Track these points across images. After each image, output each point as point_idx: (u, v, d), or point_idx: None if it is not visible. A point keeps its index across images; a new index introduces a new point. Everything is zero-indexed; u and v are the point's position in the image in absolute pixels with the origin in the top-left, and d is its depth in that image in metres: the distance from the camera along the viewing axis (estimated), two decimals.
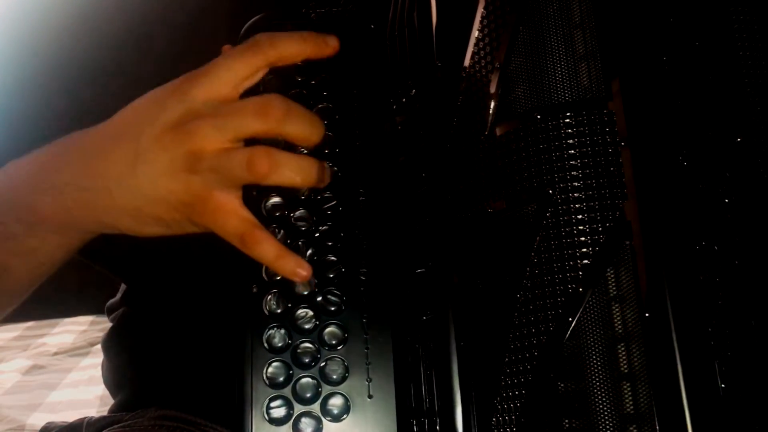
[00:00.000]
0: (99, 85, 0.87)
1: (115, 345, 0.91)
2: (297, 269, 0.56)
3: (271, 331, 0.60)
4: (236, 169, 0.53)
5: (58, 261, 0.64)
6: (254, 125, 0.54)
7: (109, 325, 0.95)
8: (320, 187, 0.56)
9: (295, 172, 0.54)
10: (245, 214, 0.56)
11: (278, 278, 0.61)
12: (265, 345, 0.59)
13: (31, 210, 0.59)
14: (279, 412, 0.58)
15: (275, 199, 0.62)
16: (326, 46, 0.57)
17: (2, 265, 0.63)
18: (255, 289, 0.60)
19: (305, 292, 0.61)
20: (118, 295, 0.95)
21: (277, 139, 0.55)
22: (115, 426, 0.82)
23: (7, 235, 0.61)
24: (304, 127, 0.55)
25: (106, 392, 1.63)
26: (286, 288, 0.60)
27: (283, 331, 0.60)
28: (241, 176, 0.54)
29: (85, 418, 0.89)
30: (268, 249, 0.55)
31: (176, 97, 0.55)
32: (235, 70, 0.55)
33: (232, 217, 0.55)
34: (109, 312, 0.96)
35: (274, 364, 0.59)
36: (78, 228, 0.60)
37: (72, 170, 0.58)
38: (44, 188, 0.59)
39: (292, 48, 0.56)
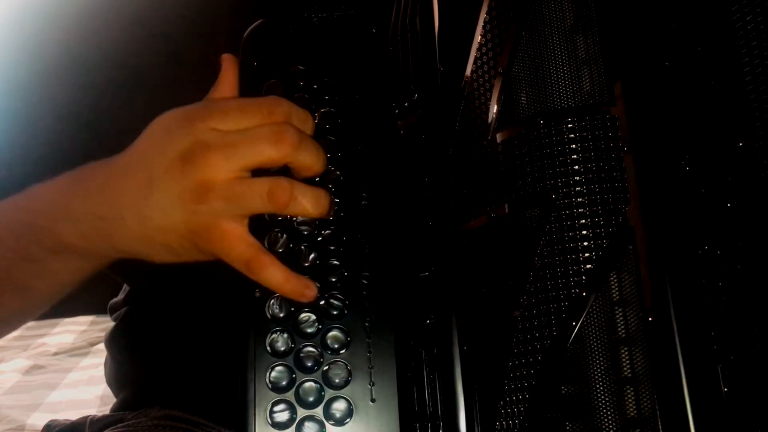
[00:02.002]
0: (100, 85, 0.87)
1: (117, 343, 0.92)
2: (304, 291, 0.57)
3: (273, 335, 0.60)
4: (255, 199, 0.55)
5: (77, 282, 0.66)
6: (269, 152, 0.55)
7: (112, 323, 0.95)
8: (327, 218, 0.60)
9: (312, 203, 0.56)
10: (251, 240, 0.57)
11: None
12: (268, 349, 0.59)
13: (52, 236, 0.61)
14: (282, 416, 0.58)
15: None
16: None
17: (24, 285, 0.65)
18: (258, 294, 0.60)
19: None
20: (121, 295, 0.95)
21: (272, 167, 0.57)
22: (118, 425, 0.82)
23: (30, 258, 0.63)
24: (314, 156, 0.58)
25: (106, 392, 1.64)
26: None
27: (285, 335, 0.60)
28: (260, 206, 0.56)
29: (87, 416, 0.90)
30: (274, 273, 0.57)
31: (184, 128, 0.56)
32: (246, 118, 0.57)
33: (238, 244, 0.57)
34: (111, 311, 0.96)
35: (277, 368, 0.59)
36: (97, 254, 0.62)
37: (89, 200, 0.60)
38: (64, 216, 0.61)
39: (305, 126, 0.59)
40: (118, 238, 0.59)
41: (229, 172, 0.55)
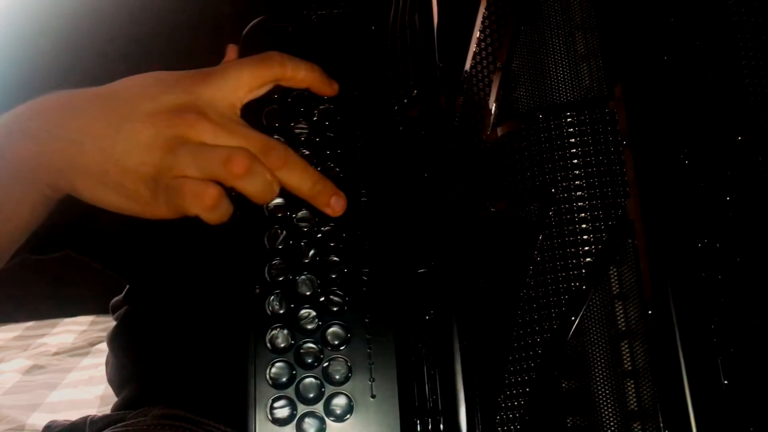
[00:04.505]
0: (101, 83, 0.87)
1: (119, 342, 0.91)
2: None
3: (274, 332, 0.60)
4: (214, 161, 0.54)
5: (24, 221, 0.61)
6: (254, 150, 0.55)
7: (112, 323, 0.95)
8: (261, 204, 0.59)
9: (260, 188, 0.55)
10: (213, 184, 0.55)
11: (281, 279, 0.61)
12: (268, 345, 0.59)
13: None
14: (282, 412, 0.58)
15: (278, 200, 0.62)
16: (329, 86, 0.62)
17: None
18: (258, 290, 0.60)
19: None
20: (122, 294, 0.95)
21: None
22: (118, 425, 0.82)
23: None
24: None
25: (107, 392, 1.64)
26: (289, 289, 0.61)
27: (286, 331, 0.60)
28: (215, 170, 0.54)
29: (87, 416, 0.90)
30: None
31: (184, 86, 0.56)
32: (244, 80, 0.57)
33: (197, 185, 0.54)
34: (113, 310, 0.96)
35: (278, 364, 0.59)
36: (41, 180, 0.58)
37: (48, 119, 0.58)
38: (14, 134, 0.58)
39: (300, 73, 0.59)
40: (66, 163, 0.56)
41: (210, 141, 0.55)
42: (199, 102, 0.55)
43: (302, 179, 0.57)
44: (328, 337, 0.60)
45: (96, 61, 0.88)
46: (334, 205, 0.59)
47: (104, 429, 0.83)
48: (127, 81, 0.58)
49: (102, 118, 0.56)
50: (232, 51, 0.64)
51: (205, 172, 0.54)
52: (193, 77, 0.57)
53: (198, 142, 0.54)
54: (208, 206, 0.54)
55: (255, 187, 0.55)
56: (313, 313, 0.60)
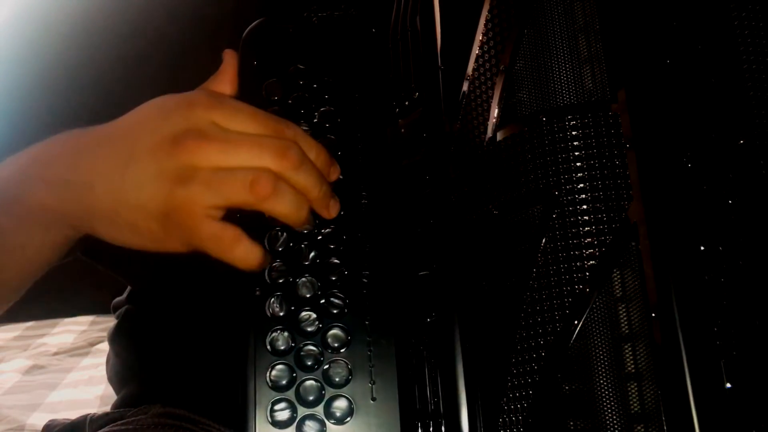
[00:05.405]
0: (101, 87, 0.87)
1: (121, 339, 0.91)
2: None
3: (274, 334, 0.60)
4: (237, 186, 0.53)
5: (46, 259, 0.63)
6: (267, 162, 0.54)
7: (112, 323, 0.95)
8: (301, 229, 0.59)
9: (290, 206, 0.54)
10: (223, 223, 0.55)
11: (281, 281, 0.61)
12: (269, 348, 0.59)
13: (19, 202, 0.59)
14: (282, 414, 0.58)
15: None
16: (330, 173, 0.59)
17: None
18: (258, 292, 0.60)
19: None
20: (124, 294, 0.95)
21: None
22: (118, 422, 0.82)
23: None
24: (312, 180, 0.56)
25: (106, 392, 1.64)
26: (289, 291, 0.60)
27: (286, 333, 0.60)
28: (240, 195, 0.53)
29: (87, 414, 0.90)
30: (247, 248, 0.55)
31: (182, 112, 0.55)
32: (254, 124, 0.56)
33: (210, 225, 0.54)
34: (114, 310, 0.96)
35: (278, 366, 0.59)
36: (63, 223, 0.60)
37: (61, 164, 0.58)
38: (33, 181, 0.58)
39: (309, 153, 0.57)
40: (82, 208, 0.57)
41: (218, 165, 0.53)
42: (199, 125, 0.54)
43: (315, 182, 0.56)
44: (329, 340, 0.60)
45: (96, 63, 0.88)
46: (331, 208, 0.59)
47: (104, 427, 0.83)
48: (133, 114, 0.58)
49: (110, 157, 0.56)
50: (229, 56, 0.63)
51: (228, 199, 0.53)
52: (193, 100, 0.56)
53: (208, 167, 0.53)
54: (245, 261, 0.55)
55: (284, 206, 0.54)
56: (314, 316, 0.60)
